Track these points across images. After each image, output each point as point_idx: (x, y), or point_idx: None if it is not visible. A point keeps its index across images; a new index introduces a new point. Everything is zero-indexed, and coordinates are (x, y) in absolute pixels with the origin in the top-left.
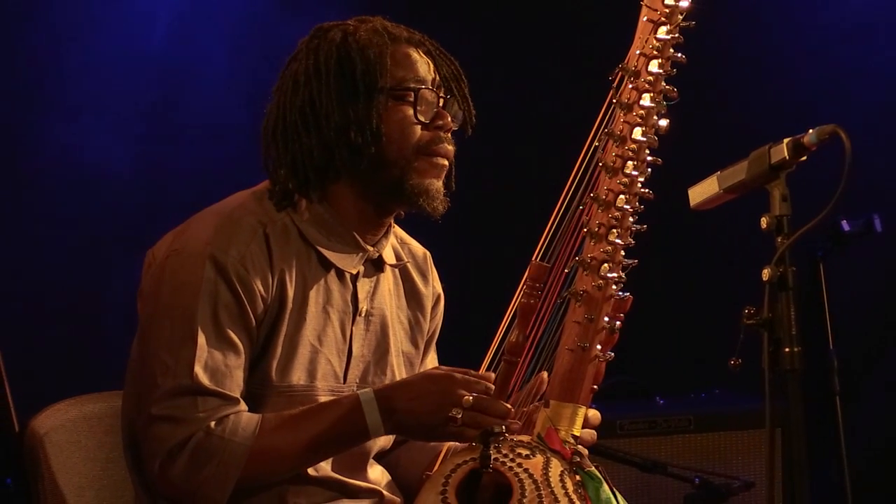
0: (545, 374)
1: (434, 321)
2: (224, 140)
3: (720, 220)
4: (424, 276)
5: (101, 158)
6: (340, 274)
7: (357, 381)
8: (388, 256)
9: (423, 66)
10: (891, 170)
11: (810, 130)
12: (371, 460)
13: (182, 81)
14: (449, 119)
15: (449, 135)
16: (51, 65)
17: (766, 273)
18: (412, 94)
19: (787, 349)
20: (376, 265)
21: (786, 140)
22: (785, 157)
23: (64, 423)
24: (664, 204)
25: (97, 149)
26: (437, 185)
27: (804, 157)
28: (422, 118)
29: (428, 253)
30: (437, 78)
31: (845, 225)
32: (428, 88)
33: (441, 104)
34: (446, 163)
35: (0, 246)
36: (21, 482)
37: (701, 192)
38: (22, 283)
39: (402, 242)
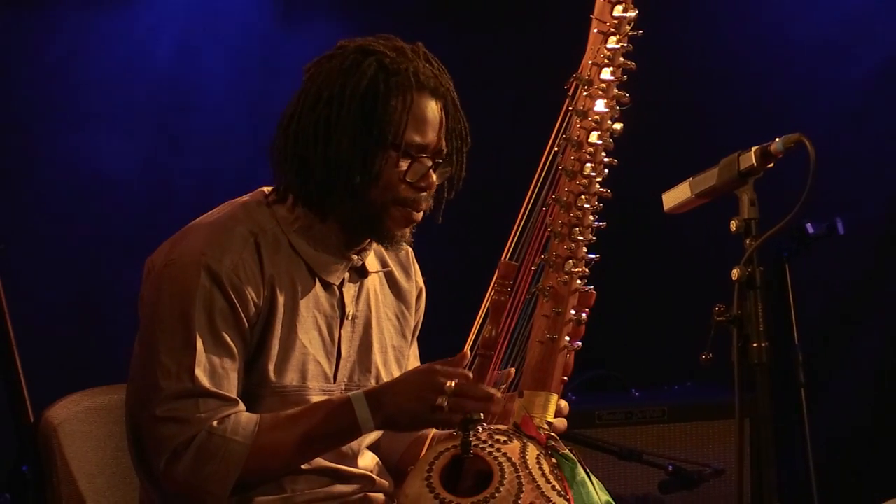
0: (512, 370)
1: (417, 314)
2: (226, 148)
3: (692, 224)
4: (407, 272)
5: (110, 165)
6: (326, 282)
7: (346, 380)
8: (371, 264)
9: (434, 125)
10: (853, 175)
11: (777, 139)
12: (363, 448)
13: (186, 93)
14: (434, 181)
15: (427, 193)
16: (63, 77)
17: (735, 273)
18: (411, 158)
19: (755, 344)
20: (360, 272)
21: (754, 148)
22: (753, 164)
23: (76, 413)
24: (639, 208)
25: (106, 156)
26: (406, 232)
27: (771, 164)
28: (410, 179)
29: (410, 249)
30: (441, 138)
31: (810, 227)
32: (426, 157)
33: (434, 167)
34: (420, 217)
35: (16, 247)
36: (36, 469)
37: (674, 196)
38: (36, 283)
39: None
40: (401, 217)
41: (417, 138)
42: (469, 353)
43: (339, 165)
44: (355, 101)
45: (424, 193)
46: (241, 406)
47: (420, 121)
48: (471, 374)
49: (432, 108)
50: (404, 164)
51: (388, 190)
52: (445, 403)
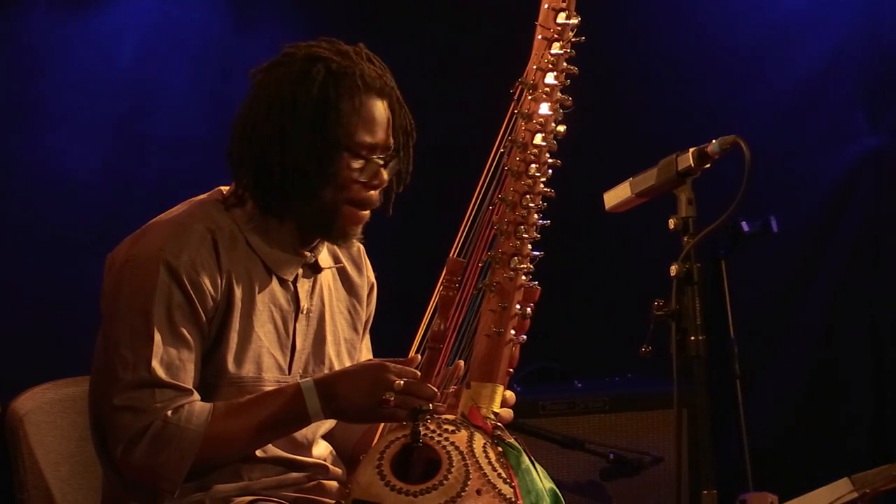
0: (461, 363)
1: (369, 308)
2: (185, 151)
3: (632, 222)
4: (359, 268)
5: (74, 167)
6: (281, 277)
7: (300, 371)
8: (324, 260)
9: (382, 124)
10: (786, 176)
11: (713, 140)
12: (318, 438)
13: (147, 97)
14: (385, 178)
15: (377, 192)
16: (28, 82)
17: (673, 269)
18: (364, 158)
19: (692, 337)
20: (314, 268)
21: (691, 149)
22: (690, 165)
23: (41, 404)
24: (582, 207)
25: (70, 158)
26: (357, 229)
27: (708, 165)
28: (364, 179)
29: (361, 246)
30: (389, 136)
31: (745, 225)
32: (378, 157)
33: (384, 165)
34: (369, 215)
35: None
36: (3, 458)
37: (615, 196)
38: (3, 280)
39: None
40: (352, 216)
41: (368, 139)
42: (419, 356)
43: (296, 170)
44: (308, 108)
45: (376, 192)
46: (196, 396)
47: (370, 121)
48: (419, 373)
49: (380, 108)
50: (357, 165)
51: (343, 190)
52: (392, 399)
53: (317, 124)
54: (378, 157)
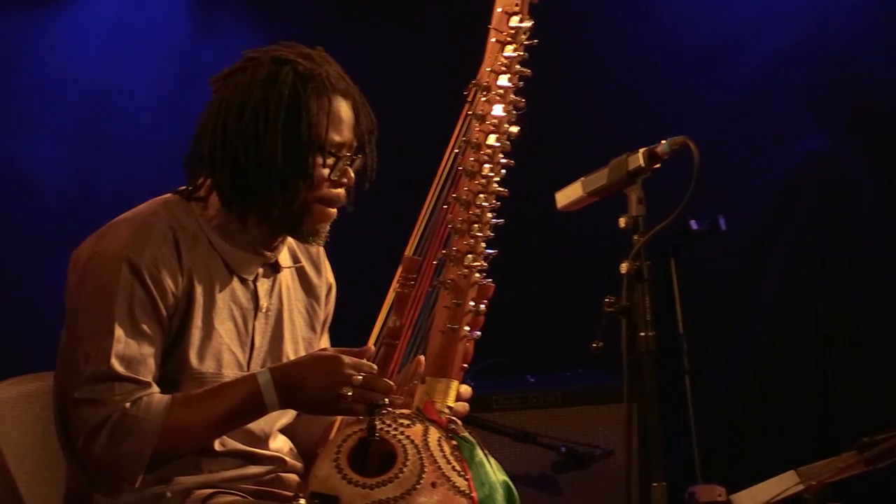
0: (422, 357)
1: (327, 308)
2: (147, 152)
3: (584, 221)
4: (318, 269)
5: (40, 168)
6: (241, 276)
7: (259, 368)
8: (284, 260)
9: (348, 124)
10: (734, 175)
11: (663, 141)
12: (275, 431)
13: (110, 100)
14: (352, 176)
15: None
16: None
17: (623, 267)
18: (335, 158)
19: (642, 333)
20: (274, 267)
21: (641, 149)
22: (641, 165)
23: (6, 399)
24: (534, 206)
25: (34, 159)
26: (326, 227)
27: (658, 165)
28: (335, 177)
29: (321, 248)
30: (354, 135)
31: (694, 224)
32: (346, 156)
33: (350, 163)
34: (335, 213)
35: None
36: None
37: (567, 195)
38: None
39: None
40: (321, 214)
41: (336, 138)
42: (373, 346)
43: (273, 171)
44: (281, 110)
45: (343, 190)
46: (155, 388)
47: (337, 121)
48: (376, 368)
49: (345, 108)
50: (327, 164)
51: (314, 189)
52: (350, 394)
53: (290, 124)
54: (345, 156)
